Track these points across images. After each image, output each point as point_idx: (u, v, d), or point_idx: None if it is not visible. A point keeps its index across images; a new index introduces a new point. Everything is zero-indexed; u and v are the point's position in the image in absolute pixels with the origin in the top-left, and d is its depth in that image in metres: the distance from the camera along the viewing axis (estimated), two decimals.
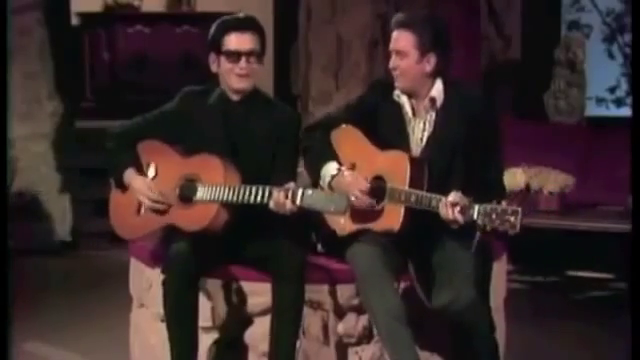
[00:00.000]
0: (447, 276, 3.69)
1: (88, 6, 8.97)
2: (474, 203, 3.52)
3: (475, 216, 3.52)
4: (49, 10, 7.40)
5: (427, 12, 4.04)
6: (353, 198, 3.75)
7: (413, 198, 3.68)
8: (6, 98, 4.86)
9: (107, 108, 8.54)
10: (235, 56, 3.88)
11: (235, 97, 3.95)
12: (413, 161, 3.76)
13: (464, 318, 3.67)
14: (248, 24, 3.93)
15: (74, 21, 8.74)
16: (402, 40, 3.81)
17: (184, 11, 9.25)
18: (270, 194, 3.67)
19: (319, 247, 4.03)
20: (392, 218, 3.75)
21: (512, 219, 3.46)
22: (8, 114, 5.20)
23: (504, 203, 3.50)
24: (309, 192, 3.59)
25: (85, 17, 8.97)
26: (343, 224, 3.86)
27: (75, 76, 8.39)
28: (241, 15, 4.00)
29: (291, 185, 3.64)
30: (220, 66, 3.92)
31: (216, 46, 3.92)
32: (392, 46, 3.85)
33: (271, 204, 3.67)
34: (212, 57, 3.95)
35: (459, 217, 3.55)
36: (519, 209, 3.48)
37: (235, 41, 3.88)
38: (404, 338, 3.68)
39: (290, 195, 3.61)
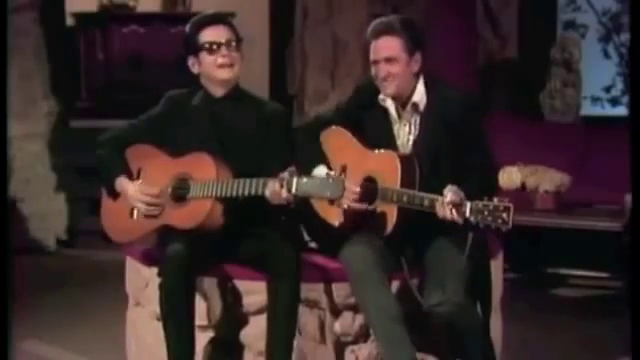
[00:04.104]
0: (438, 277, 3.67)
1: (83, 6, 8.94)
2: (466, 200, 3.51)
3: (467, 213, 3.50)
4: (44, 10, 7.38)
5: (399, 15, 4.02)
6: (345, 206, 3.75)
7: (405, 198, 3.66)
8: (6, 98, 4.84)
9: (102, 108, 8.53)
10: (215, 47, 3.89)
11: (219, 93, 3.96)
12: (403, 159, 3.75)
13: (454, 319, 3.65)
14: (219, 18, 3.98)
15: (69, 21, 8.71)
16: (390, 46, 3.78)
17: (179, 11, 9.23)
18: (265, 184, 3.68)
19: (311, 242, 4.03)
20: (386, 220, 3.74)
21: (504, 215, 3.43)
22: (8, 114, 5.18)
23: (496, 200, 3.46)
24: (304, 180, 3.59)
25: (80, 17, 8.94)
26: (337, 219, 3.84)
27: (70, 76, 8.37)
28: (210, 12, 4.05)
29: (285, 174, 3.62)
30: (201, 63, 3.93)
31: (193, 45, 3.93)
32: (377, 55, 3.79)
33: (267, 193, 3.68)
34: (191, 60, 3.96)
35: (457, 217, 3.53)
36: (510, 205, 3.44)
37: (211, 34, 3.91)
38: (400, 336, 3.65)
39: (285, 184, 3.61)
